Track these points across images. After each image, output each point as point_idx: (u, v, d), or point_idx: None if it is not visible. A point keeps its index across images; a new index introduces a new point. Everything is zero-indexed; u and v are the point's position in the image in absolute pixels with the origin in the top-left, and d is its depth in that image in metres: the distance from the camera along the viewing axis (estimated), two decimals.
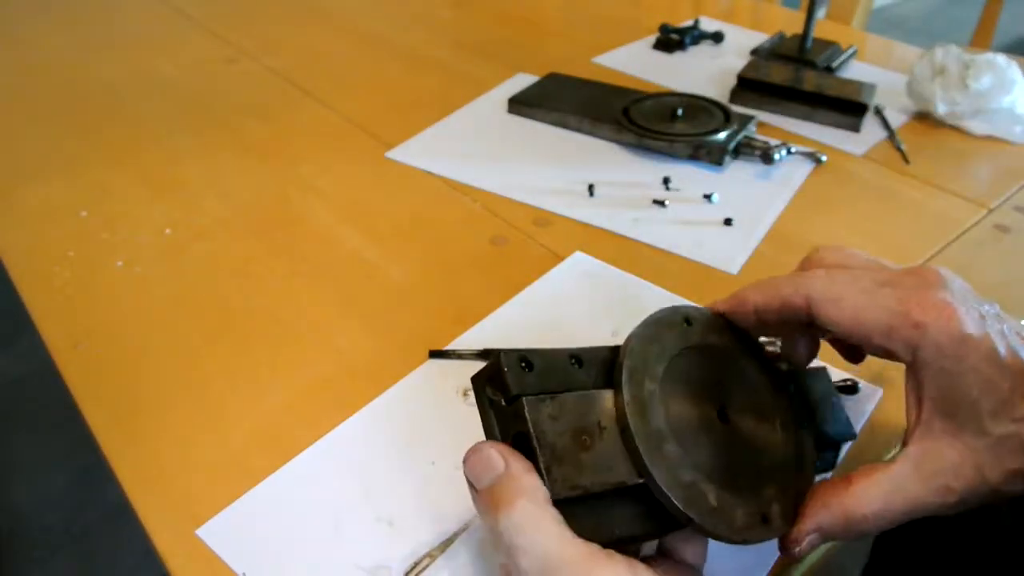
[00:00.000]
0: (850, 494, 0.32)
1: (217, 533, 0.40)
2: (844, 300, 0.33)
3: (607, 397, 0.32)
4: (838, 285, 0.33)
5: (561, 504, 0.29)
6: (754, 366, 0.36)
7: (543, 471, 0.29)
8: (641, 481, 0.31)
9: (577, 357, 0.33)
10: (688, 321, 0.36)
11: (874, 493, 0.31)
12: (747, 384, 0.36)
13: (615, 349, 0.34)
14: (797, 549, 0.32)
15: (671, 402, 0.33)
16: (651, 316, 0.35)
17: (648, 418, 0.31)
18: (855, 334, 0.32)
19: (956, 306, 0.31)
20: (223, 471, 0.44)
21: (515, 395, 0.30)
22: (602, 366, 0.33)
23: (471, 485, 0.31)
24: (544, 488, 0.29)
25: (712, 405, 0.34)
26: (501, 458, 0.30)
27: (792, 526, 0.33)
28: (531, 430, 0.30)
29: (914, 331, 0.31)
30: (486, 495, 0.30)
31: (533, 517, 0.28)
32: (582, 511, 0.30)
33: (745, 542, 0.31)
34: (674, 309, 0.36)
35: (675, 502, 0.30)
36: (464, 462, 0.31)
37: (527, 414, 0.30)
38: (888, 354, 0.32)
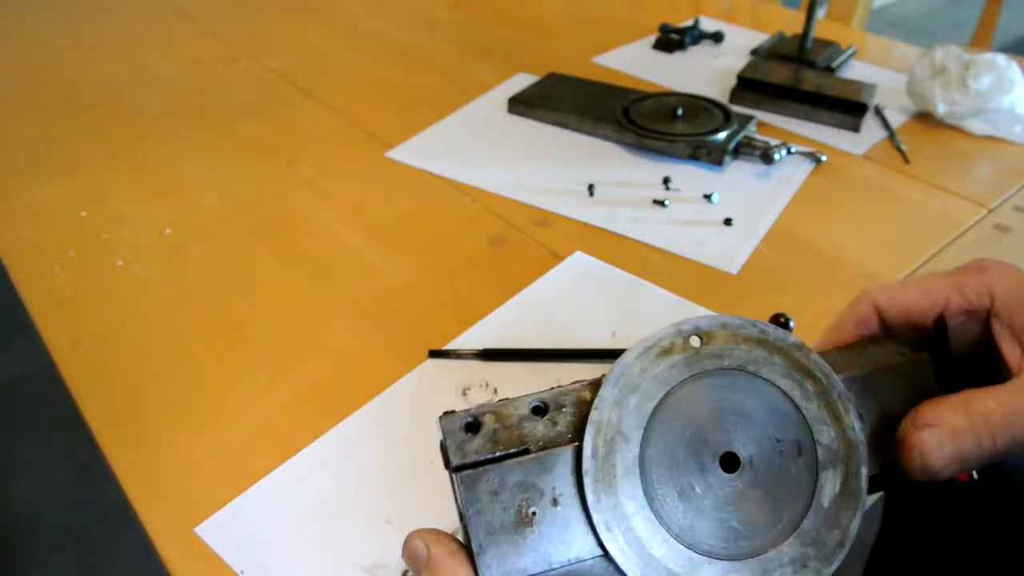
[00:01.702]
0: (983, 400, 0.28)
1: (216, 531, 0.40)
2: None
3: (569, 457, 0.28)
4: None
5: None
6: (799, 381, 0.29)
7: (475, 555, 0.27)
8: (602, 555, 0.27)
9: (543, 405, 0.28)
10: (699, 338, 0.29)
11: (1000, 405, 0.28)
12: (778, 410, 0.29)
13: (599, 384, 0.28)
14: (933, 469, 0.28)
15: (654, 454, 0.28)
16: (643, 341, 0.29)
17: (616, 484, 0.27)
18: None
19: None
20: (222, 470, 0.44)
21: (456, 466, 0.27)
22: (575, 409, 0.28)
23: None
24: (468, 571, 0.27)
25: (715, 449, 0.28)
26: (424, 546, 0.28)
27: None
28: (461, 511, 0.27)
29: (979, 274, 0.31)
30: None
31: None
32: None
33: None
34: (676, 329, 0.29)
35: None
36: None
37: (458, 493, 0.27)
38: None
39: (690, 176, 0.69)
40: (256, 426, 0.47)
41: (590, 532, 0.27)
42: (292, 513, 0.41)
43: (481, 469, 0.27)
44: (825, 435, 0.29)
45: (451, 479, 0.28)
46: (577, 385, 0.29)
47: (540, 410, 0.28)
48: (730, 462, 0.28)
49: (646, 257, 0.60)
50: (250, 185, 0.71)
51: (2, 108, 0.86)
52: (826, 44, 0.89)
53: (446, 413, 0.28)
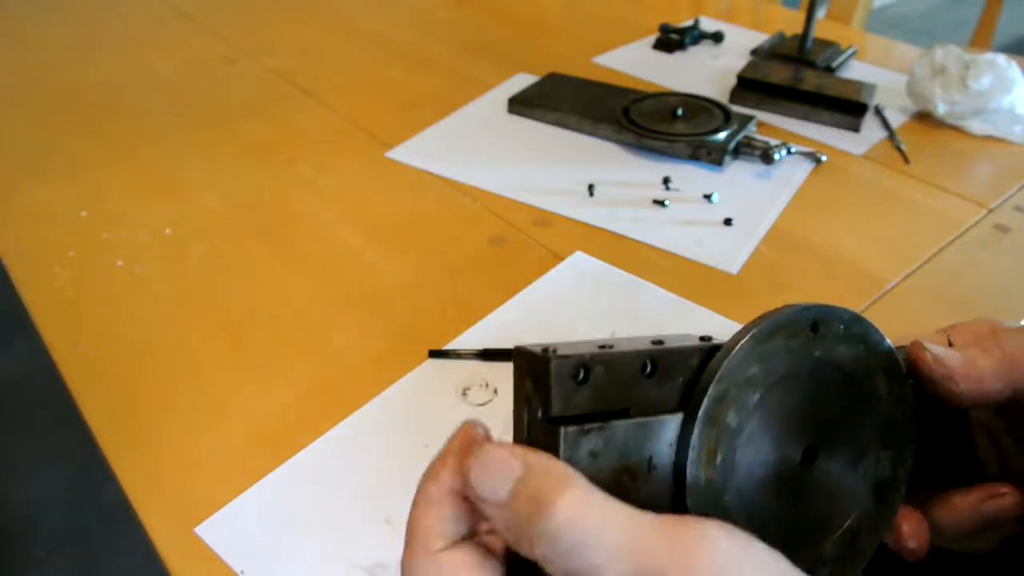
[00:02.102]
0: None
1: (216, 531, 0.40)
2: None
3: (671, 426, 0.26)
4: None
5: None
6: (888, 388, 0.29)
7: None
8: None
9: (652, 361, 0.26)
10: (815, 327, 0.27)
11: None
12: (862, 412, 0.29)
13: (709, 352, 0.26)
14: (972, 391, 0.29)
15: (754, 441, 0.26)
16: (769, 318, 0.26)
17: (715, 465, 0.26)
18: None
19: None
20: (222, 470, 0.44)
21: (555, 416, 0.25)
22: (684, 374, 0.26)
23: (484, 502, 0.24)
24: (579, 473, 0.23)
25: (800, 443, 0.27)
26: (514, 457, 0.23)
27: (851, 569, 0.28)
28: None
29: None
30: (512, 505, 0.23)
31: (588, 503, 0.22)
32: None
33: None
34: (803, 309, 0.27)
35: None
36: (469, 475, 0.24)
37: (561, 450, 0.24)
38: None
39: (690, 176, 0.69)
40: (256, 426, 0.47)
41: (674, 504, 0.26)
42: (292, 513, 0.41)
43: (585, 427, 0.25)
44: (889, 450, 0.29)
45: (520, 404, 0.26)
46: (686, 347, 0.26)
47: (650, 369, 0.26)
48: (810, 455, 0.28)
49: (646, 257, 0.60)
50: (250, 185, 0.71)
51: (2, 108, 0.86)
52: (826, 44, 0.89)
53: (556, 354, 0.25)
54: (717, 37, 0.96)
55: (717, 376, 0.25)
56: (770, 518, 0.27)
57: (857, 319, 0.28)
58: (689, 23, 0.98)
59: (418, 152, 0.74)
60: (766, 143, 0.70)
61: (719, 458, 0.26)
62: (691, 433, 0.25)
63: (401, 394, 0.48)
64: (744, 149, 0.71)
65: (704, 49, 0.95)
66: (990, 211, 0.66)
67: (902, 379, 0.29)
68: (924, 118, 0.78)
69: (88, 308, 0.57)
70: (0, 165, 0.75)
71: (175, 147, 0.77)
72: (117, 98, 0.87)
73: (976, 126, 0.75)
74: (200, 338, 0.53)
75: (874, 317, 0.29)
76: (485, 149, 0.75)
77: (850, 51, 0.91)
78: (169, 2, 1.12)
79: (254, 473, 0.43)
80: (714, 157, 0.70)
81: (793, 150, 0.71)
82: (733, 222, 0.63)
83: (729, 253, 0.60)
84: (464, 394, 0.48)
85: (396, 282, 0.58)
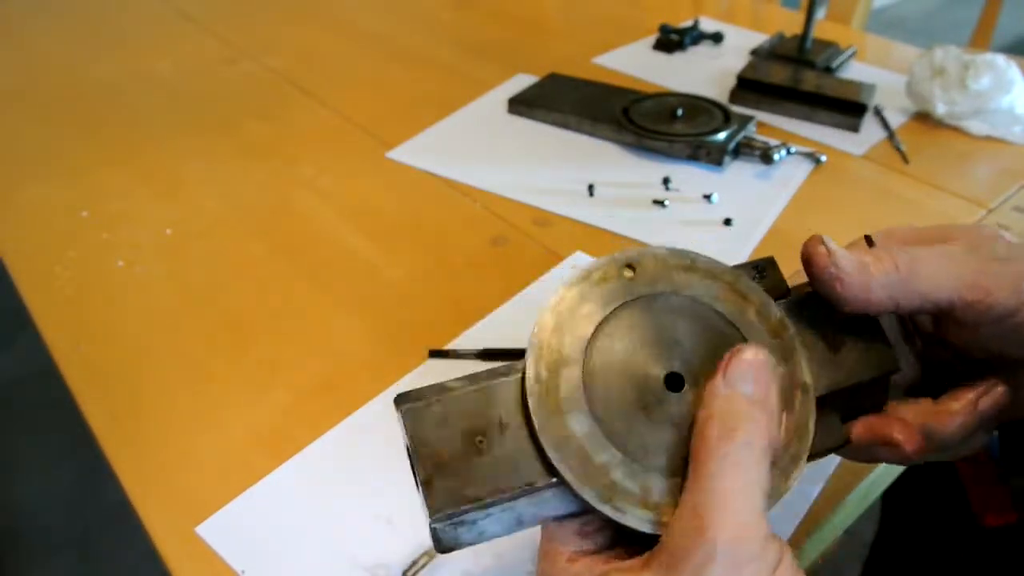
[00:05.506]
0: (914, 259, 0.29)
1: (216, 531, 0.40)
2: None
3: (514, 387, 0.28)
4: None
5: (456, 520, 0.27)
6: (735, 303, 0.30)
7: (422, 486, 0.27)
8: (555, 481, 0.27)
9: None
10: (631, 267, 0.29)
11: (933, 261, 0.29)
12: (716, 328, 0.29)
13: None
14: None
15: (597, 375, 0.28)
16: (577, 270, 0.29)
17: (558, 402, 0.27)
18: None
19: None
20: (223, 470, 0.44)
21: (396, 400, 0.28)
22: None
23: None
24: None
25: (659, 369, 0.28)
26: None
27: None
28: (407, 444, 0.27)
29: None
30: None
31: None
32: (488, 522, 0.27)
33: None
34: (610, 259, 0.30)
35: (588, 500, 0.26)
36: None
37: (404, 425, 0.27)
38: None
39: (690, 176, 0.69)
40: (256, 425, 0.47)
41: (538, 457, 0.27)
42: (292, 513, 0.41)
43: (427, 401, 0.27)
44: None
45: (399, 417, 0.28)
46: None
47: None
48: (674, 382, 0.28)
49: None
50: (250, 185, 0.71)
51: (2, 108, 0.86)
52: (826, 44, 0.89)
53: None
54: (717, 37, 0.96)
55: (535, 327, 0.28)
56: (650, 446, 0.27)
57: (673, 253, 0.30)
58: (689, 23, 0.98)
59: (418, 152, 0.74)
60: (766, 143, 0.70)
61: (565, 398, 0.27)
62: (525, 383, 0.27)
63: None
64: (744, 149, 0.71)
65: (704, 49, 0.95)
66: (990, 211, 0.66)
67: (756, 291, 0.30)
68: (924, 118, 0.78)
69: (89, 308, 0.57)
70: (0, 165, 0.75)
71: (175, 147, 0.77)
72: (117, 98, 0.87)
73: (975, 126, 0.75)
74: (200, 338, 0.53)
75: None
76: (485, 149, 0.75)
77: (850, 51, 0.91)
78: (169, 2, 1.12)
79: (254, 473, 0.43)
80: (714, 157, 0.70)
81: (793, 150, 0.71)
82: (733, 222, 0.63)
83: (729, 253, 0.60)
84: None
85: (396, 282, 0.58)
